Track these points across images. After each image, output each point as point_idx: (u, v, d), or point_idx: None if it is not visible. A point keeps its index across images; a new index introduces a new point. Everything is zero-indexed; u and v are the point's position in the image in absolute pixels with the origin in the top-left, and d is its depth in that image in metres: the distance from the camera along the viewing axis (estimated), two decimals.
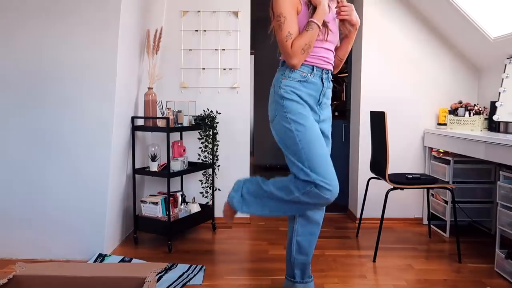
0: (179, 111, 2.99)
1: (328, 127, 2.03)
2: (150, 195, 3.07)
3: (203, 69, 3.38)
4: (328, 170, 1.83)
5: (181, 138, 3.29)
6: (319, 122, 1.98)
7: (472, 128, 3.16)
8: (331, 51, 1.97)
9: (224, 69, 3.35)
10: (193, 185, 3.34)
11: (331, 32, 1.92)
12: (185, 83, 3.40)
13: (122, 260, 2.59)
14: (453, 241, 2.90)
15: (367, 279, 2.40)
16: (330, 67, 1.98)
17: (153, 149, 2.95)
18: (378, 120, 2.78)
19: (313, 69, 1.91)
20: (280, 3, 1.83)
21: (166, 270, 2.43)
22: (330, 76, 1.99)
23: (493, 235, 2.98)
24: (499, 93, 2.99)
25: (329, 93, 2.00)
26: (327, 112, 2.02)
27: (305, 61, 1.91)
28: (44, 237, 2.60)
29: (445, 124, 3.32)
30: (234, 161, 3.42)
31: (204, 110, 3.22)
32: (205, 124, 3.12)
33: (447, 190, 2.93)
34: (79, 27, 2.54)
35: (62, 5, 2.53)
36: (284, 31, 1.83)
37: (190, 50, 3.36)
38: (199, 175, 3.25)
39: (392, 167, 3.07)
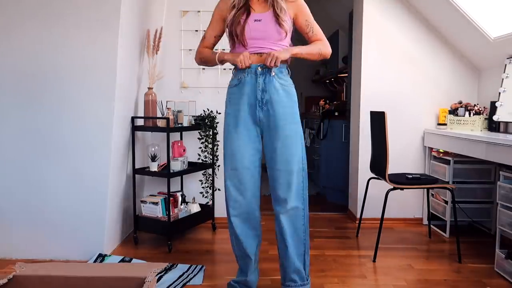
0: (179, 111, 2.99)
1: (278, 124, 1.96)
2: (150, 195, 3.07)
3: (203, 69, 3.37)
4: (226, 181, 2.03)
5: (181, 138, 3.29)
6: (262, 119, 1.97)
7: (472, 128, 3.16)
8: (263, 47, 1.94)
9: (224, 69, 3.34)
10: (193, 185, 3.33)
11: (250, 39, 1.93)
12: (185, 83, 3.40)
13: (122, 260, 2.59)
14: (453, 241, 2.90)
15: (367, 279, 2.40)
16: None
17: (153, 149, 2.95)
18: (378, 120, 2.78)
19: (245, 70, 1.96)
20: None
21: (166, 270, 2.43)
22: (272, 71, 1.94)
23: (493, 235, 2.98)
24: (499, 93, 2.98)
25: (274, 88, 1.94)
26: (278, 108, 1.96)
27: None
28: (44, 237, 2.60)
29: (445, 124, 3.32)
30: None
31: (204, 110, 3.21)
32: (205, 124, 3.12)
33: (447, 190, 2.93)
34: (79, 27, 2.54)
35: (62, 5, 2.53)
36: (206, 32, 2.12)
37: (190, 50, 3.36)
38: (199, 175, 3.25)
39: (392, 167, 3.07)
